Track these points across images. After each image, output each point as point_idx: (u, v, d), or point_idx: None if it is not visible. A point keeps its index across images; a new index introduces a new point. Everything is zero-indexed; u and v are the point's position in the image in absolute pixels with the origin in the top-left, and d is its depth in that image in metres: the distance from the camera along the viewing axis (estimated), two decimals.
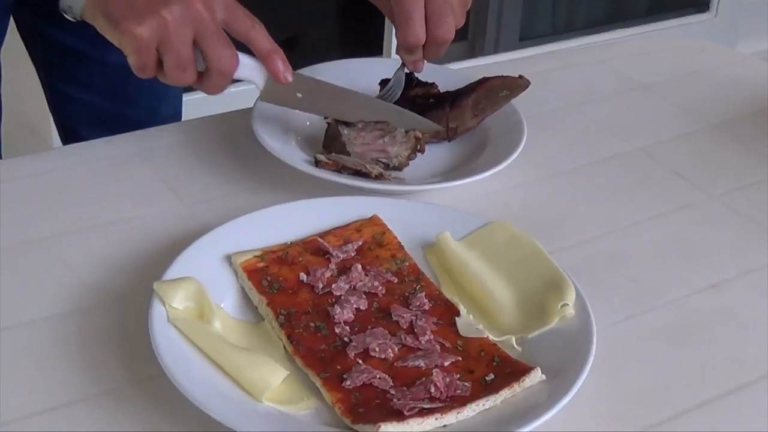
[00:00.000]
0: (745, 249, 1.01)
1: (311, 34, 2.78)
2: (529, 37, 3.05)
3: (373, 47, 2.66)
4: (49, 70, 1.39)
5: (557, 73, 1.35)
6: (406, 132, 1.07)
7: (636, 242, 1.01)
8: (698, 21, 3.30)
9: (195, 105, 1.11)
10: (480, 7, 2.96)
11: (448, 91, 1.14)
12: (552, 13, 3.13)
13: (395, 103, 1.13)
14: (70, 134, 1.43)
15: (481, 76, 1.15)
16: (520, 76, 1.13)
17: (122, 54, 0.97)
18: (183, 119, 1.42)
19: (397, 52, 1.12)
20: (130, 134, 1.14)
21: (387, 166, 1.06)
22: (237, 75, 0.99)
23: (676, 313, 0.92)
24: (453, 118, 1.11)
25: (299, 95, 1.05)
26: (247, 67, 1.00)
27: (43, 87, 1.43)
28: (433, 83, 1.15)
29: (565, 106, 1.26)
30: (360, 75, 1.18)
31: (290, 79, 1.00)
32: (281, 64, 1.00)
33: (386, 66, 1.17)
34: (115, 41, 0.94)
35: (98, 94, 1.38)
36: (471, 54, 2.97)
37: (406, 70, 1.14)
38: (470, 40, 3.01)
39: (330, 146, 1.07)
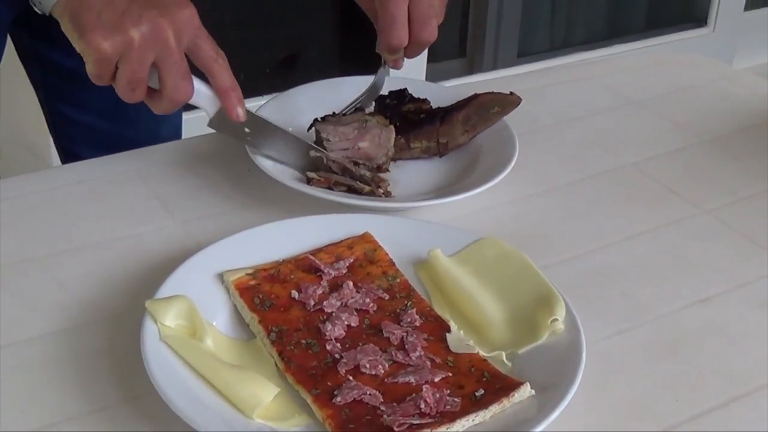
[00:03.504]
0: (737, 263, 1.02)
1: (310, 52, 2.79)
2: (527, 53, 3.06)
3: (370, 65, 2.67)
4: (48, 91, 1.40)
5: (550, 89, 1.36)
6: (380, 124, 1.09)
7: (628, 257, 1.02)
8: (696, 36, 3.31)
9: (194, 124, 1.12)
10: (478, 24, 2.97)
11: (439, 107, 1.15)
12: (550, 29, 3.14)
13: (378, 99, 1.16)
14: (69, 155, 1.43)
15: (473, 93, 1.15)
16: (511, 93, 1.13)
17: None
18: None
19: (377, 50, 1.13)
20: (124, 153, 1.15)
21: (369, 168, 1.07)
22: (191, 101, 0.99)
23: (667, 327, 0.92)
24: (443, 134, 1.12)
25: (247, 130, 1.06)
26: (201, 95, 1.00)
27: (42, 108, 1.43)
28: (425, 99, 1.16)
29: (558, 122, 1.27)
30: (357, 91, 1.20)
31: (243, 118, 1.01)
32: (236, 101, 1.00)
33: (389, 82, 1.19)
34: (77, 47, 0.94)
35: (98, 116, 1.38)
36: (470, 71, 2.98)
37: (401, 86, 1.17)
38: (469, 56, 3.02)
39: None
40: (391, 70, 1.17)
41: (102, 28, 0.92)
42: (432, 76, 2.59)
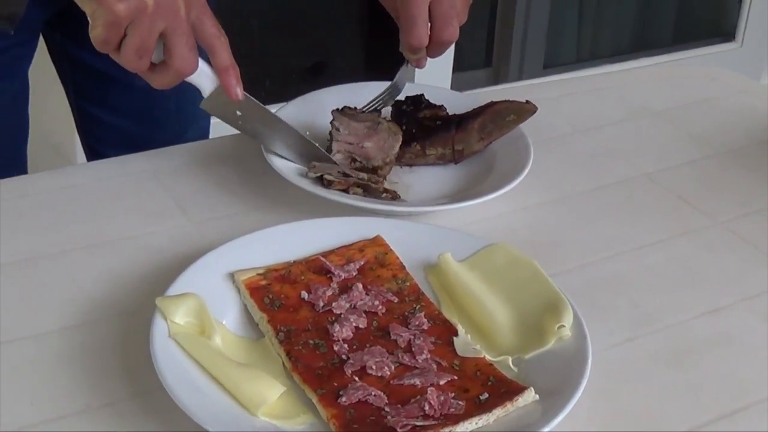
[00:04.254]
0: (747, 275, 1.02)
1: (337, 60, 2.81)
2: (553, 65, 3.06)
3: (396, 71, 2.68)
4: (78, 91, 1.40)
5: (567, 99, 1.36)
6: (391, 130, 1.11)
7: (638, 266, 1.02)
8: (724, 50, 3.29)
9: (222, 127, 1.13)
10: (504, 34, 2.97)
11: (455, 114, 1.15)
12: (577, 41, 3.14)
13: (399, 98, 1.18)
14: (96, 155, 1.43)
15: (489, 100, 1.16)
16: (527, 101, 1.14)
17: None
18: None
19: (400, 50, 1.15)
20: (141, 153, 1.16)
21: (365, 168, 1.08)
22: (189, 78, 1.00)
23: (674, 337, 0.93)
24: (458, 141, 1.13)
25: (239, 113, 1.07)
26: (201, 73, 1.01)
27: (71, 108, 1.44)
28: (442, 106, 1.16)
29: (574, 132, 1.27)
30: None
31: (240, 96, 1.02)
32: (235, 80, 1.01)
33: (407, 88, 1.20)
34: (87, 10, 0.93)
35: (126, 117, 1.39)
36: (495, 81, 2.98)
37: (420, 92, 1.18)
38: (495, 67, 3.02)
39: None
40: (415, 76, 1.18)
41: None
42: (457, 85, 2.60)
